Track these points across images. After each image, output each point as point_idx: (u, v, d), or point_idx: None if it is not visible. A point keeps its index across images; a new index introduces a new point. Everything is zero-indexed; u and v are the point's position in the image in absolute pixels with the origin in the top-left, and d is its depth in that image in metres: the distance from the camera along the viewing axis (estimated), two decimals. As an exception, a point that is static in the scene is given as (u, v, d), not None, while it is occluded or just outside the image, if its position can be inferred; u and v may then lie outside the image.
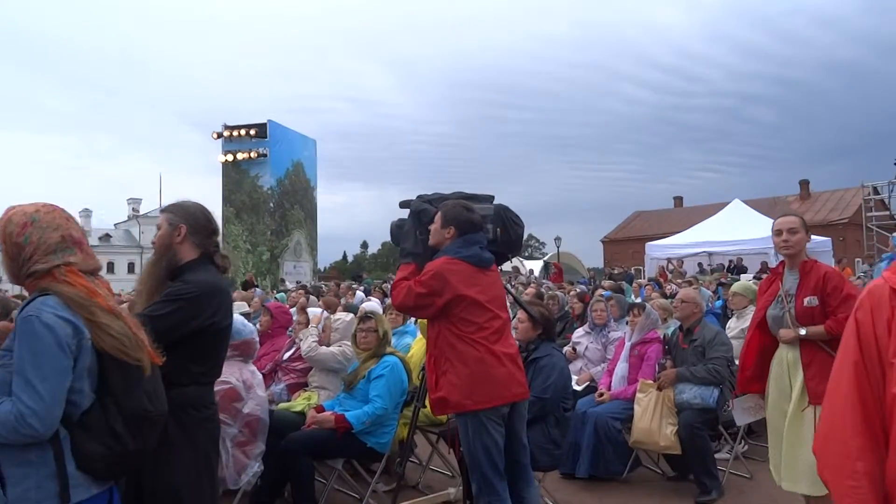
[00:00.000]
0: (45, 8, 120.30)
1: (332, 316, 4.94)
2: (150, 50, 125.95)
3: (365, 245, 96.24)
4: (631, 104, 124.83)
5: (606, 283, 11.79)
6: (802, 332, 3.22)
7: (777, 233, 3.38)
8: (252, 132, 26.43)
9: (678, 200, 51.30)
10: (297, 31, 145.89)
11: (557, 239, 32.04)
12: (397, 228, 3.53)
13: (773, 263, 17.78)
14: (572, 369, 5.67)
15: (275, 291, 17.33)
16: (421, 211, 3.33)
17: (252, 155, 26.29)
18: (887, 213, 32.09)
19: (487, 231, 3.28)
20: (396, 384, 4.11)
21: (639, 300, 7.77)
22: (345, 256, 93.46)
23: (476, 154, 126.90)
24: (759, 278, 12.56)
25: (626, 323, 5.31)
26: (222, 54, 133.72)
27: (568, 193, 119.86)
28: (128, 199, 74.74)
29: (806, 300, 3.24)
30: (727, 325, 5.99)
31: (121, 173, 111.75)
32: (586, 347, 5.64)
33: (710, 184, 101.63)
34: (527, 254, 78.14)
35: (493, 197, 3.57)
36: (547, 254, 42.00)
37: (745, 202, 23.22)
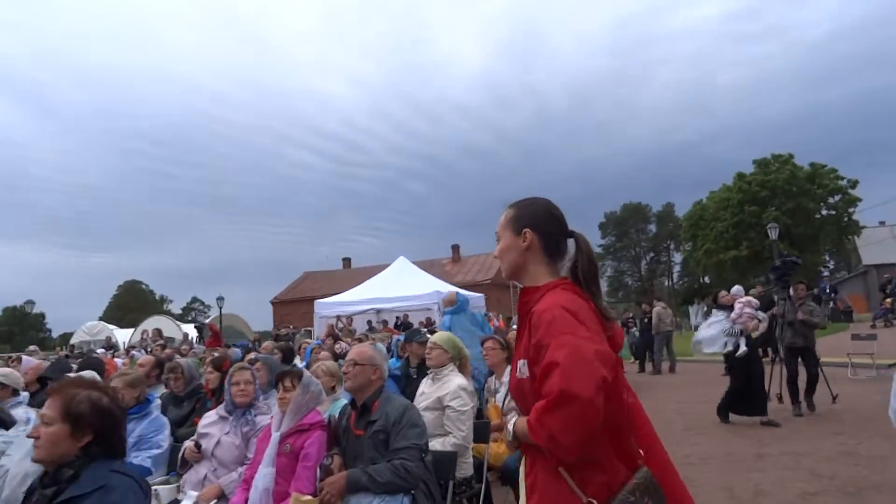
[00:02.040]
0: None
1: None
2: None
3: (-24, 311, 77.04)
4: (298, 168, 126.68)
5: (267, 343, 9.92)
6: (509, 426, 1.85)
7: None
8: None
9: (347, 262, 52.29)
10: None
11: (220, 299, 28.96)
12: None
13: (437, 320, 18.28)
14: (194, 478, 3.72)
15: None
16: None
17: None
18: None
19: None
20: None
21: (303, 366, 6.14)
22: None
23: (129, 208, 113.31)
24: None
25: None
26: None
27: (235, 254, 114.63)
28: None
29: (519, 365, 1.87)
30: (418, 391, 4.53)
31: None
32: (218, 442, 3.75)
33: (373, 248, 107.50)
34: (190, 318, 71.63)
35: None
36: (210, 317, 38.11)
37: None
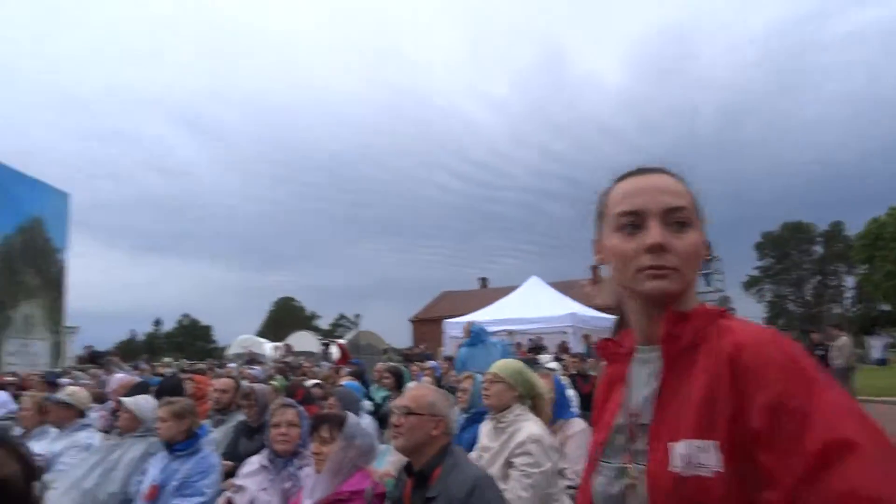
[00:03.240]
0: None
1: None
2: None
3: (158, 322, 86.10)
4: (445, 192, 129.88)
5: (380, 365, 9.27)
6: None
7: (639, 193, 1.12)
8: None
9: (483, 281, 51.85)
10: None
11: (357, 316, 29.45)
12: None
13: (573, 345, 16.94)
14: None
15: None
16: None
17: (-28, 205, 20.88)
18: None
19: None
20: None
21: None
22: (134, 335, 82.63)
23: (291, 232, 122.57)
24: (561, 359, 10.84)
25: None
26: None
27: (381, 273, 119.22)
28: None
29: (679, 448, 0.94)
30: (477, 444, 3.28)
31: None
32: (252, 502, 2.98)
33: (511, 268, 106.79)
34: (337, 333, 74.82)
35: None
36: (352, 332, 39.16)
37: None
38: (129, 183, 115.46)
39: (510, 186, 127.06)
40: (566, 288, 29.96)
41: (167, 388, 4.64)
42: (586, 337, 16.86)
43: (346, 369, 9.48)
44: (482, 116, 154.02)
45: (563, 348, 15.90)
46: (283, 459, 3.07)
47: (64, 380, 8.48)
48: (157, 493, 3.54)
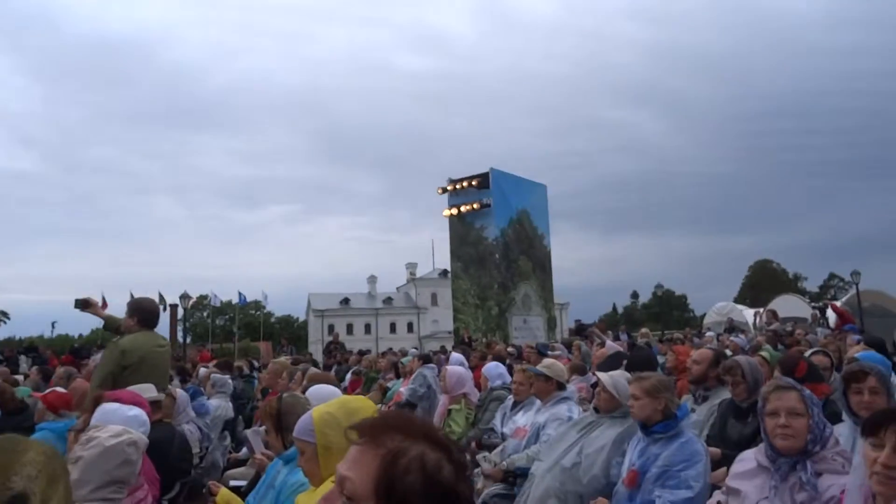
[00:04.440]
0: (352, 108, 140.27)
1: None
2: (430, 128, 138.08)
3: (635, 295, 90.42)
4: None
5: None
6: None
7: None
8: (475, 183, 25.53)
9: None
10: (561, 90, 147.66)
11: (855, 274, 24.64)
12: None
13: None
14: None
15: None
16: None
17: (475, 206, 25.25)
18: None
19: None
20: None
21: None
22: (614, 308, 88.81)
23: (762, 190, 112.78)
24: None
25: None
26: (489, 124, 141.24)
27: (887, 223, 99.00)
28: (406, 265, 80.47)
29: None
30: None
31: (408, 242, 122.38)
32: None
33: None
34: (829, 295, 65.37)
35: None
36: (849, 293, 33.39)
37: None
38: (594, 168, 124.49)
39: None
40: None
41: (638, 361, 4.27)
42: None
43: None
44: None
45: None
46: (789, 460, 2.30)
47: (553, 350, 9.13)
48: (637, 478, 3.18)
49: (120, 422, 2.85)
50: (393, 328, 74.45)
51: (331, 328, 70.09)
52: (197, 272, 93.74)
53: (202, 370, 8.85)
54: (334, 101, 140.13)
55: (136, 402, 3.20)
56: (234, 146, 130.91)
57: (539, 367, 4.63)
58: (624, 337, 16.82)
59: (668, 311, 70.14)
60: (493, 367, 5.86)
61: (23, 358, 17.40)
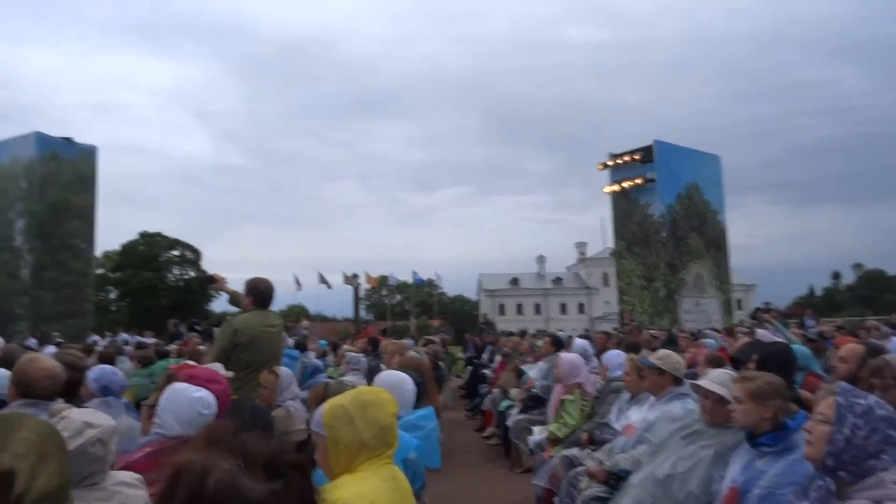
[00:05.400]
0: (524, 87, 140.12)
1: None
2: (601, 103, 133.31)
3: (836, 276, 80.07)
4: None
5: None
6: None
7: None
8: (637, 157, 24.13)
9: None
10: (744, 50, 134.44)
11: None
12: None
13: None
14: None
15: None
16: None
17: (639, 181, 23.88)
18: None
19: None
20: None
21: None
22: (811, 290, 79.44)
23: None
24: None
25: None
26: (664, 94, 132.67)
27: None
28: (576, 244, 78.85)
29: None
30: None
31: (580, 221, 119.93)
32: None
33: None
34: None
35: None
36: None
37: None
38: (785, 134, 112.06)
39: None
40: None
41: (771, 358, 3.52)
42: None
43: None
44: None
45: None
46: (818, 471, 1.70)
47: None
48: (737, 497, 2.64)
49: (186, 402, 2.91)
50: (563, 309, 73.46)
51: (501, 308, 70.93)
52: (377, 253, 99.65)
53: (345, 348, 9.23)
54: (502, 81, 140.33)
55: (212, 378, 3.27)
56: (408, 133, 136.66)
57: (652, 359, 4.10)
58: (811, 324, 14.84)
59: (878, 293, 61.21)
60: (613, 356, 5.35)
61: (216, 330, 19.54)
